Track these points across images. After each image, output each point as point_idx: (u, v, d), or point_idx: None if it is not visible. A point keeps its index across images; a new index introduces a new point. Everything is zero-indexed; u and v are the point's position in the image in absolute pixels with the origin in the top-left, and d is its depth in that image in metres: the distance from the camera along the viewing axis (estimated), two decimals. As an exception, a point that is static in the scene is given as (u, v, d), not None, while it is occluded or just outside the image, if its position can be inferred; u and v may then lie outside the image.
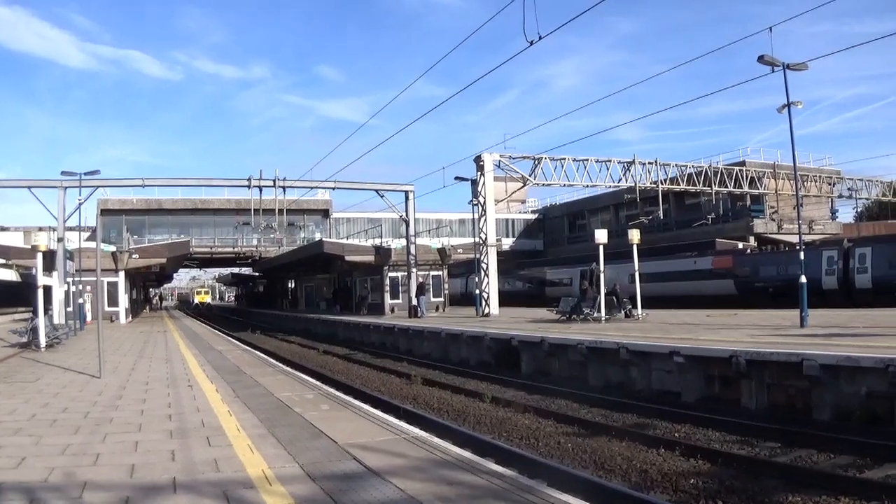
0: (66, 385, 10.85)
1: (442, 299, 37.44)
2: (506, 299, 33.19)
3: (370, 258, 35.77)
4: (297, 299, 56.64)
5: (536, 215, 63.63)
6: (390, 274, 35.96)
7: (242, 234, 50.00)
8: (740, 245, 36.13)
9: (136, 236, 43.27)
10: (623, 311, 22.25)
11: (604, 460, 8.32)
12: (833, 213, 45.90)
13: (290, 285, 61.05)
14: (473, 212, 30.41)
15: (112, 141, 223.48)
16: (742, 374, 11.23)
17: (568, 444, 9.25)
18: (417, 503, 4.48)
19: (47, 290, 21.34)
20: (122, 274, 33.85)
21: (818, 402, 10.20)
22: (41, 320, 17.85)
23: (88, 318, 28.99)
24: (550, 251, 57.81)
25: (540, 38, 13.69)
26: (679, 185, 37.45)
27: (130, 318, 37.43)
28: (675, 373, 12.63)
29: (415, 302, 30.55)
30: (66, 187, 27.85)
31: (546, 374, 16.16)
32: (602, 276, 21.09)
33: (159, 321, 40.05)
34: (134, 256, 34.77)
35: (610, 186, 35.13)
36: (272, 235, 40.88)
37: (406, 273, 33.10)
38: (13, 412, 8.32)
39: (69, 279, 27.69)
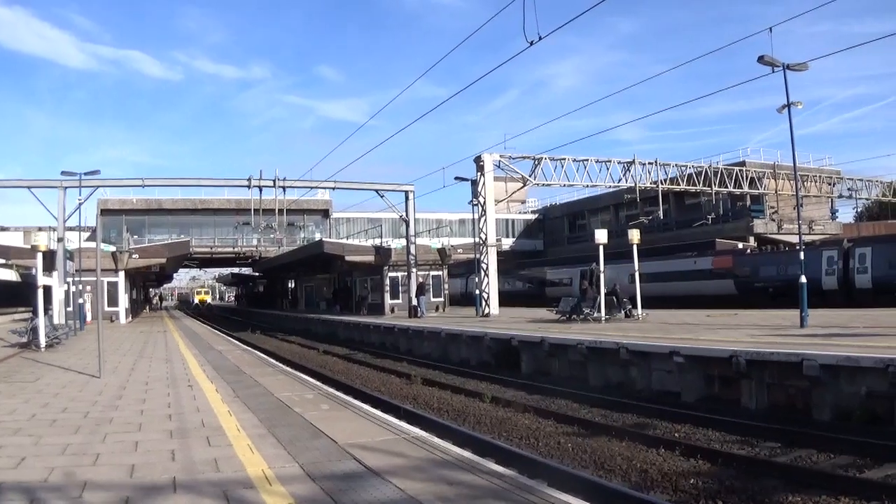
0: (66, 385, 10.85)
1: (442, 299, 37.45)
2: (506, 299, 33.20)
3: (370, 258, 35.78)
4: (297, 299, 56.64)
5: (536, 215, 63.62)
6: (390, 274, 35.97)
7: (242, 234, 49.99)
8: (740, 245, 36.12)
9: (136, 236, 43.27)
10: (623, 311, 22.25)
11: (604, 460, 8.32)
12: (833, 213, 45.89)
13: (290, 285, 61.06)
14: (473, 212, 30.41)
15: (112, 141, 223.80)
16: (742, 374, 11.23)
17: (568, 444, 9.25)
18: (417, 503, 4.48)
19: (47, 290, 21.33)
20: (121, 274, 33.85)
21: (818, 402, 10.20)
22: (41, 320, 17.84)
23: (88, 318, 29.00)
24: (550, 251, 57.81)
25: (540, 38, 13.69)
26: (679, 185, 37.45)
27: (130, 318, 37.43)
28: (675, 373, 12.62)
29: (415, 302, 30.55)
30: (66, 187, 27.85)
31: (546, 374, 16.16)
32: (602, 276, 21.09)
33: (159, 321, 40.05)
34: (134, 256, 34.77)
35: (610, 186, 35.13)
36: (272, 235, 40.87)
37: (406, 273, 33.10)
38: (13, 412, 8.32)
39: (69, 279, 27.69)
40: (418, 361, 20.33)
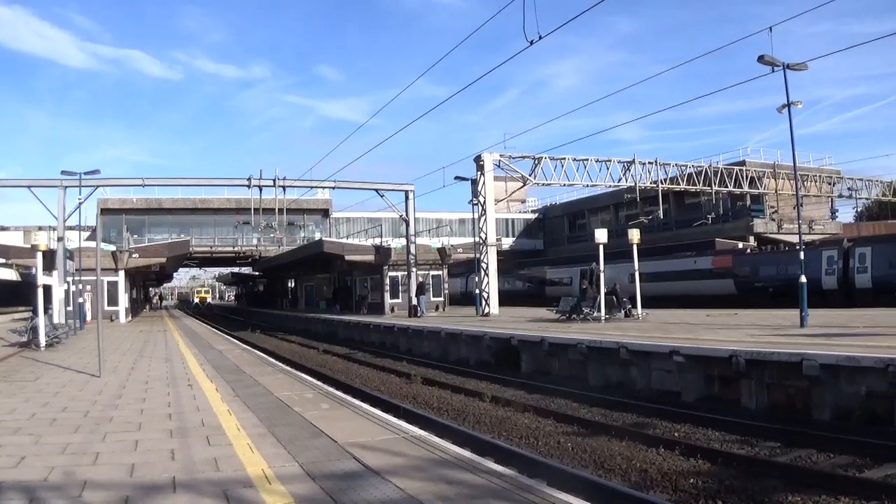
0: (66, 384, 10.84)
1: (442, 299, 37.44)
2: (506, 299, 33.20)
3: (370, 258, 35.78)
4: (297, 299, 56.64)
5: (536, 215, 63.61)
6: (390, 273, 35.97)
7: (242, 233, 50.04)
8: (740, 245, 36.12)
9: (135, 236, 43.23)
10: (623, 311, 22.25)
11: (604, 460, 8.32)
12: (833, 212, 45.89)
13: (290, 285, 61.07)
14: (473, 211, 30.41)
15: (112, 141, 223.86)
16: (742, 374, 11.23)
17: (568, 443, 9.25)
18: (417, 502, 4.48)
19: (47, 290, 21.32)
20: (121, 273, 33.86)
21: (818, 401, 10.19)
22: (41, 319, 17.85)
23: (88, 317, 29.00)
24: (550, 251, 57.79)
25: (540, 37, 13.70)
26: (679, 184, 37.44)
27: (130, 318, 37.43)
28: (674, 372, 12.62)
29: (415, 301, 30.55)
30: (66, 187, 27.84)
31: (546, 373, 16.16)
32: (602, 275, 21.09)
33: (159, 320, 40.04)
34: (134, 256, 34.76)
35: (610, 186, 35.13)
36: (272, 235, 40.90)
37: (406, 273, 33.09)
38: (13, 411, 8.31)
39: (69, 278, 27.69)
40: (418, 361, 20.33)
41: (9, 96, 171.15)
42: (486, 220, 28.94)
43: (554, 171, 31.09)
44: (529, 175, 30.57)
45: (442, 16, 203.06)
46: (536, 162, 30.46)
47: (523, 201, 65.82)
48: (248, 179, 29.89)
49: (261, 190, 30.47)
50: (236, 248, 53.26)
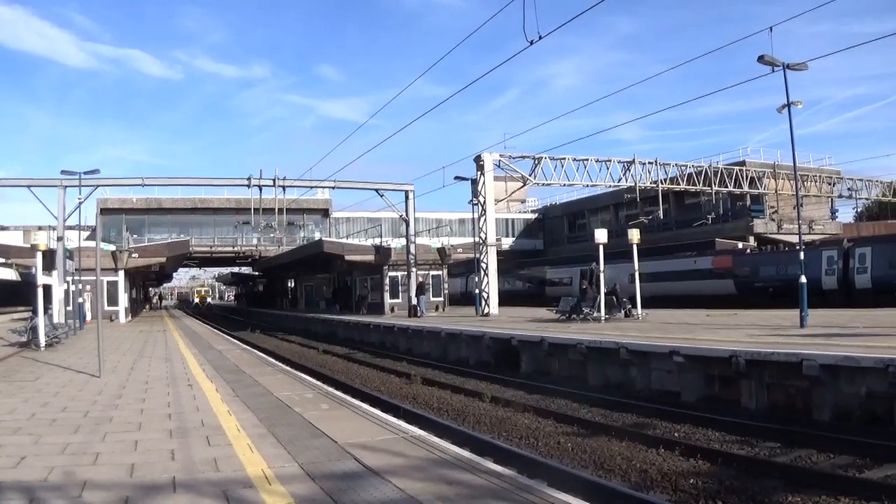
0: (66, 384, 10.84)
1: (442, 299, 37.44)
2: (506, 299, 33.19)
3: (370, 258, 35.78)
4: (297, 299, 56.64)
5: (536, 215, 63.61)
6: (390, 273, 35.97)
7: (242, 233, 50.04)
8: (740, 245, 36.11)
9: (135, 235, 43.25)
10: (623, 311, 22.25)
11: (603, 460, 8.32)
12: (833, 213, 45.90)
13: (289, 284, 61.07)
14: (473, 211, 30.40)
15: (112, 140, 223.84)
16: (742, 374, 11.23)
17: (567, 443, 9.25)
18: (417, 503, 4.48)
19: (47, 290, 21.31)
20: (121, 273, 33.86)
21: (818, 402, 10.19)
22: (41, 319, 17.84)
23: (88, 317, 29.01)
24: (550, 251, 57.79)
25: (540, 37, 13.69)
26: (679, 184, 37.44)
27: (130, 318, 37.42)
28: (674, 373, 12.62)
29: (414, 301, 30.55)
30: (66, 186, 27.83)
31: (546, 373, 16.15)
32: (602, 275, 21.09)
33: (159, 320, 40.04)
34: (134, 256, 34.76)
35: (610, 186, 35.14)
36: (272, 235, 40.89)
37: (406, 272, 33.09)
38: (13, 411, 8.31)
39: (69, 278, 27.68)
40: (418, 361, 20.33)
41: (9, 96, 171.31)
42: (485, 220, 28.94)
43: (554, 171, 31.12)
44: (529, 175, 30.57)
45: (442, 16, 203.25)
46: (536, 162, 30.46)
47: (523, 201, 65.82)
48: (248, 179, 29.89)
49: (261, 190, 30.48)
50: (236, 248, 53.25)
